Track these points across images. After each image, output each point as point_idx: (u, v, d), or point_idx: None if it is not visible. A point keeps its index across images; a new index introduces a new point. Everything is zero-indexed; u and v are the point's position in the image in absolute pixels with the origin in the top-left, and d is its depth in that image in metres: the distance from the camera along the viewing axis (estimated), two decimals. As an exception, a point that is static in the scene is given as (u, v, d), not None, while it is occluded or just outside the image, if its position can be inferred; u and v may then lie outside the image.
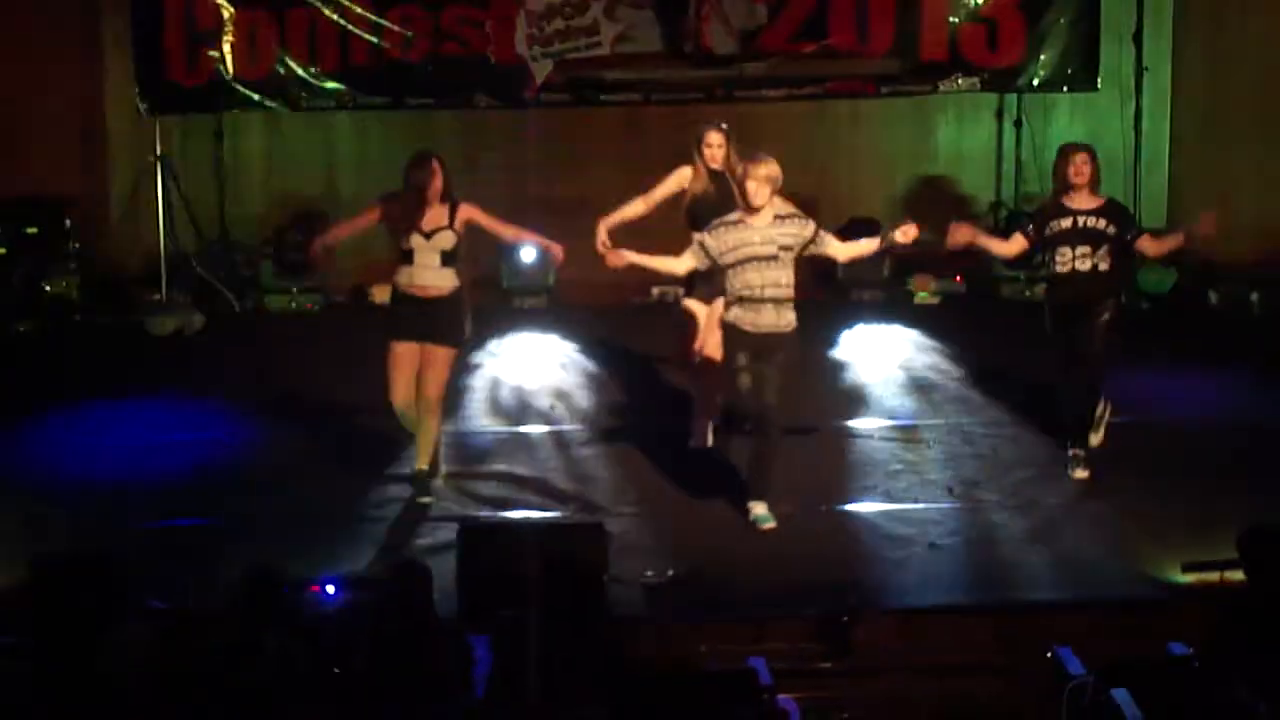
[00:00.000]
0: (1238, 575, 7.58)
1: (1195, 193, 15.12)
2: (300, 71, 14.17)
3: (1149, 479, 9.94)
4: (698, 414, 10.22)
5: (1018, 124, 15.07)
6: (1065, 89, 14.76)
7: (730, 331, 9.21)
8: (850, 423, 11.09)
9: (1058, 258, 9.78)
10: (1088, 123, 15.17)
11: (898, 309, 14.12)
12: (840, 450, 10.63)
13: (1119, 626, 8.07)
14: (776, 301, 9.13)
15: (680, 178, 10.10)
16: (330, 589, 8.34)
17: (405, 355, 9.57)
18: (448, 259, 9.59)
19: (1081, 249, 9.72)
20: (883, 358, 12.67)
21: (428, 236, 9.52)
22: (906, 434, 10.78)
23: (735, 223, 9.18)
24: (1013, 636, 8.06)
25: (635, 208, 10.15)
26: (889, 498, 9.74)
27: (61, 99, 14.56)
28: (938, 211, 15.21)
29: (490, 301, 14.50)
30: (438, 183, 9.52)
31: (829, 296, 14.57)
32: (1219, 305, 14.10)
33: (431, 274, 9.56)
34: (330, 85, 14.24)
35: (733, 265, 9.11)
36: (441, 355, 9.60)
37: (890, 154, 15.22)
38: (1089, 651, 7.44)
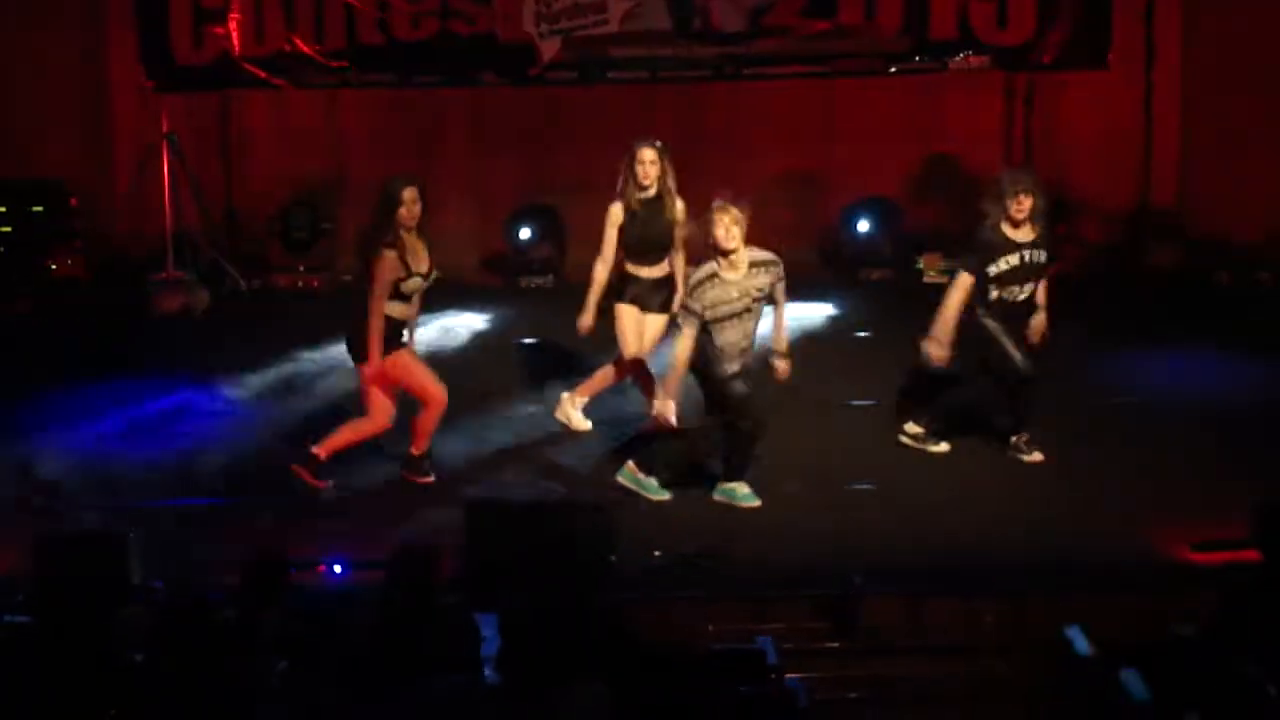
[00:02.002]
0: (1248, 554, 7.56)
1: (1206, 172, 15.06)
2: (307, 49, 14.12)
3: (1159, 458, 9.92)
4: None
5: (1028, 103, 14.99)
6: (1076, 67, 14.68)
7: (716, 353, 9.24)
8: (857, 402, 11.06)
9: (1005, 293, 9.74)
10: (1098, 101, 15.10)
11: (906, 288, 14.05)
12: (847, 430, 10.60)
13: (1127, 606, 8.05)
14: (750, 348, 9.25)
15: (614, 218, 10.01)
16: (337, 569, 8.34)
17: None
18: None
19: (1029, 285, 9.77)
20: (890, 337, 12.63)
21: (426, 278, 9.46)
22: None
23: (710, 278, 9.13)
24: (1021, 617, 8.04)
25: (600, 274, 10.09)
26: (894, 478, 9.72)
27: (67, 78, 14.51)
28: (947, 190, 15.22)
29: (497, 281, 14.51)
30: (418, 209, 9.37)
31: (836, 276, 14.55)
32: (1229, 284, 14.04)
33: (414, 310, 9.58)
34: (337, 63, 14.18)
35: (713, 323, 9.12)
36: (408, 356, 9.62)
37: (899, 132, 15.14)
38: (1097, 632, 7.43)
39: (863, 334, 12.78)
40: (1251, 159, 14.66)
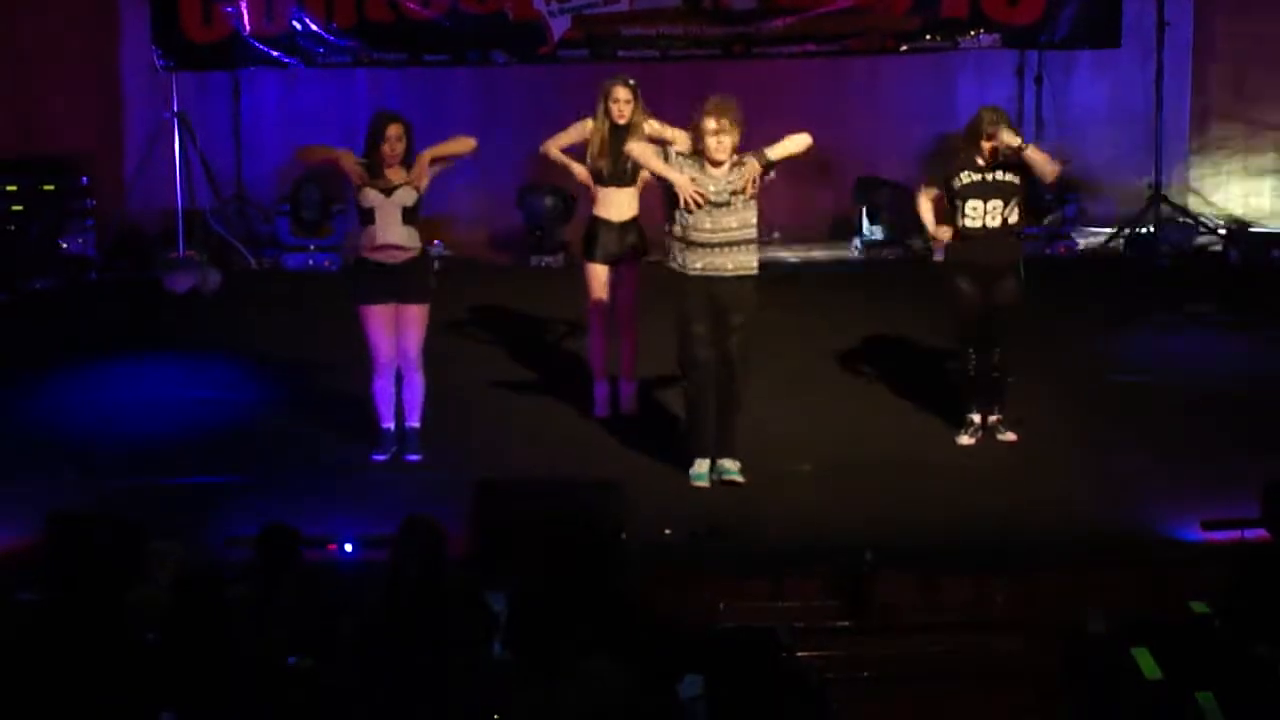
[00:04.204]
0: (1258, 532, 7.56)
1: (1217, 149, 15.04)
2: (316, 27, 14.11)
3: (1169, 436, 9.91)
4: (597, 379, 10.38)
5: (1038, 81, 14.97)
6: (1087, 45, 14.64)
7: (679, 280, 9.08)
8: (870, 380, 11.06)
9: (968, 212, 9.66)
10: (1109, 79, 15.07)
11: (916, 267, 14.04)
12: (860, 407, 10.59)
13: (1139, 585, 8.04)
14: (728, 245, 9.01)
15: (581, 129, 10.21)
16: (348, 547, 8.34)
17: (382, 317, 9.56)
18: (409, 216, 9.47)
19: (993, 203, 9.62)
20: (900, 314, 12.62)
21: (388, 193, 9.44)
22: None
23: (694, 155, 9.06)
24: (1032, 595, 8.03)
25: (553, 151, 10.33)
26: (906, 457, 9.72)
27: (78, 55, 14.52)
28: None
29: (507, 259, 14.52)
30: (401, 148, 9.42)
31: (845, 254, 14.57)
32: (1241, 262, 14.01)
33: (395, 231, 9.45)
34: (347, 41, 14.16)
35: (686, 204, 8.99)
36: (415, 313, 9.57)
37: (910, 111, 15.12)
38: (1109, 610, 7.42)
39: (871, 312, 12.74)
40: (1263, 136, 14.63)
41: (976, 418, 9.83)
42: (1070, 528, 8.70)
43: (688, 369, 9.21)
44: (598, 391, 10.33)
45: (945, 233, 9.74)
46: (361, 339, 9.63)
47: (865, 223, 14.56)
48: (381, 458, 9.66)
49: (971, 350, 9.73)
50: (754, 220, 9.09)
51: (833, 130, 15.02)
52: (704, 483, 9.24)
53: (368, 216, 9.47)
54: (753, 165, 9.00)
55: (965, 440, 9.82)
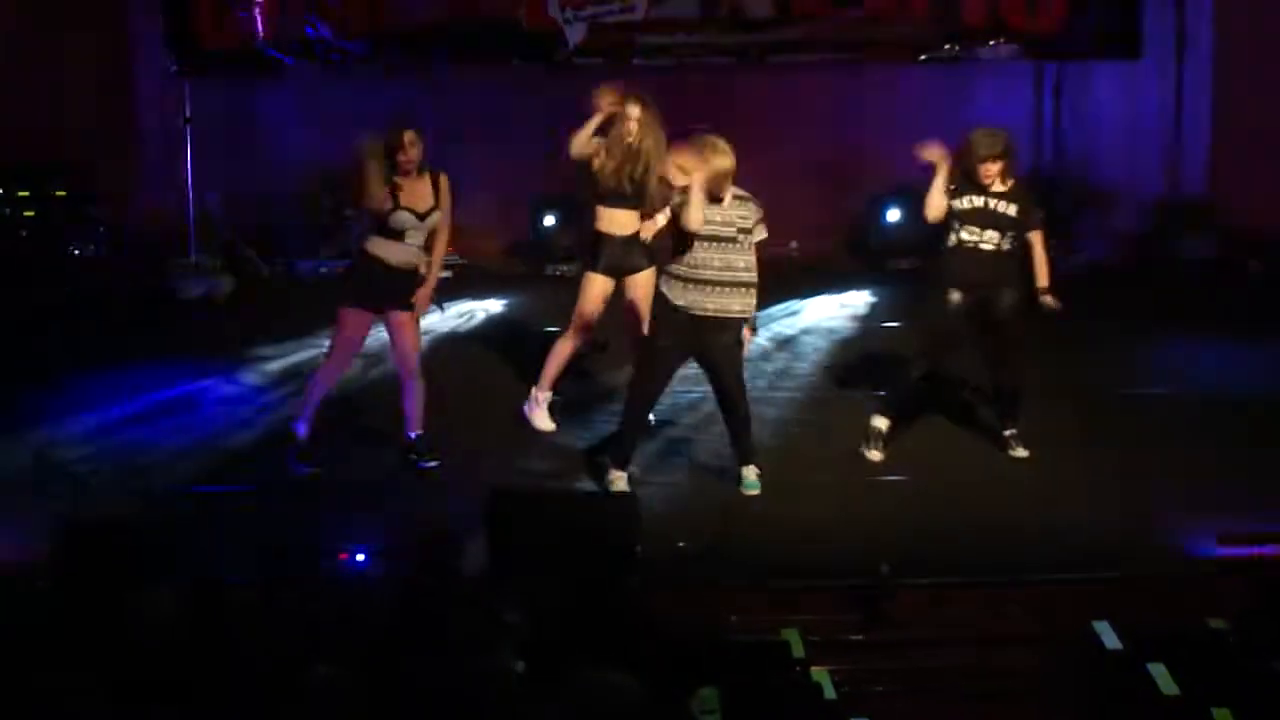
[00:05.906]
0: (1276, 548, 7.51)
1: (1237, 160, 14.99)
2: (330, 34, 14.09)
3: (1186, 451, 9.84)
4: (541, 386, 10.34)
5: (1057, 92, 14.92)
6: (1106, 57, 14.59)
7: (666, 312, 9.10)
8: (885, 392, 11.00)
9: (964, 235, 9.60)
10: (1128, 92, 15.03)
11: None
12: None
13: (1155, 600, 7.99)
14: (731, 285, 9.00)
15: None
16: (360, 558, 8.29)
17: (365, 320, 9.48)
18: (430, 238, 9.48)
19: (990, 232, 9.54)
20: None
21: (421, 218, 9.39)
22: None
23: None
24: (1048, 610, 7.98)
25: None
26: (922, 468, 9.66)
27: (90, 61, 14.52)
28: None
29: (521, 268, 14.49)
30: (415, 154, 9.38)
31: (863, 265, 14.52)
32: (1260, 274, 13.96)
33: (418, 253, 9.44)
34: (361, 48, 14.14)
35: (696, 236, 8.98)
36: (408, 317, 9.50)
37: (926, 120, 15.04)
38: (1125, 625, 7.37)
39: (892, 324, 12.69)
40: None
41: (881, 425, 9.74)
42: (1087, 542, 8.64)
43: (644, 380, 9.25)
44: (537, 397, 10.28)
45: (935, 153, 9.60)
46: (336, 335, 9.51)
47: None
48: (304, 470, 9.50)
49: (925, 360, 9.67)
50: (749, 263, 9.05)
51: (849, 140, 15.05)
52: (755, 490, 9.23)
53: (396, 236, 9.41)
54: (756, 211, 9.03)
55: (872, 454, 9.73)
